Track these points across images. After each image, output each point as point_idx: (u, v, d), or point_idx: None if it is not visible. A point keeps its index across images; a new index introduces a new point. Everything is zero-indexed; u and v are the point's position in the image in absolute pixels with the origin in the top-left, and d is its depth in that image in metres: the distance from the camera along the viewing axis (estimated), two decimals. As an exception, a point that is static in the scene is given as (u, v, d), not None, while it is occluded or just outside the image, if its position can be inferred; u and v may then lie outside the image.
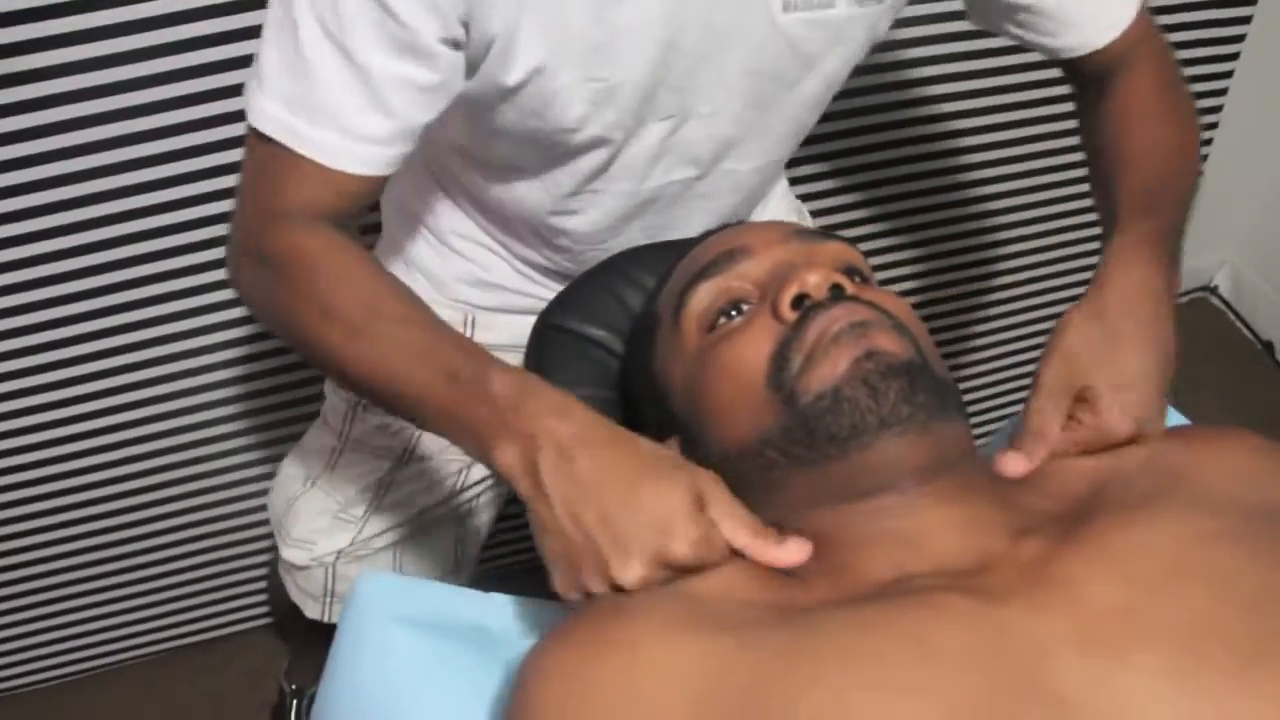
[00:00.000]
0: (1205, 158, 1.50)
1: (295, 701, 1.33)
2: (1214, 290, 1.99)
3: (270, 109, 0.67)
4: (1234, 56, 1.41)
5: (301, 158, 0.67)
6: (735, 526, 0.57)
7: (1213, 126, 1.47)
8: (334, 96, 0.65)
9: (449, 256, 0.93)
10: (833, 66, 0.78)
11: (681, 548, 0.54)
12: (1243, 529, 0.53)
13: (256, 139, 0.68)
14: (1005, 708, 0.46)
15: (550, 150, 0.76)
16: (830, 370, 0.58)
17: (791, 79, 0.77)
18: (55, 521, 1.28)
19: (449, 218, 0.91)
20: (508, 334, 0.93)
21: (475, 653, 0.64)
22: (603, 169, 0.78)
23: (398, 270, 0.96)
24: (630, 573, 0.54)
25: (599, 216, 0.83)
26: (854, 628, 0.50)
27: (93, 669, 1.44)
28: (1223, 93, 1.44)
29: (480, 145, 0.79)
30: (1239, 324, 1.96)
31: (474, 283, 0.93)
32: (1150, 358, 0.66)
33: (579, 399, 0.59)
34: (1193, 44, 1.37)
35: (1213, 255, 1.95)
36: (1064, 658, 0.47)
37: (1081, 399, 0.64)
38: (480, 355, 0.62)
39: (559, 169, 0.78)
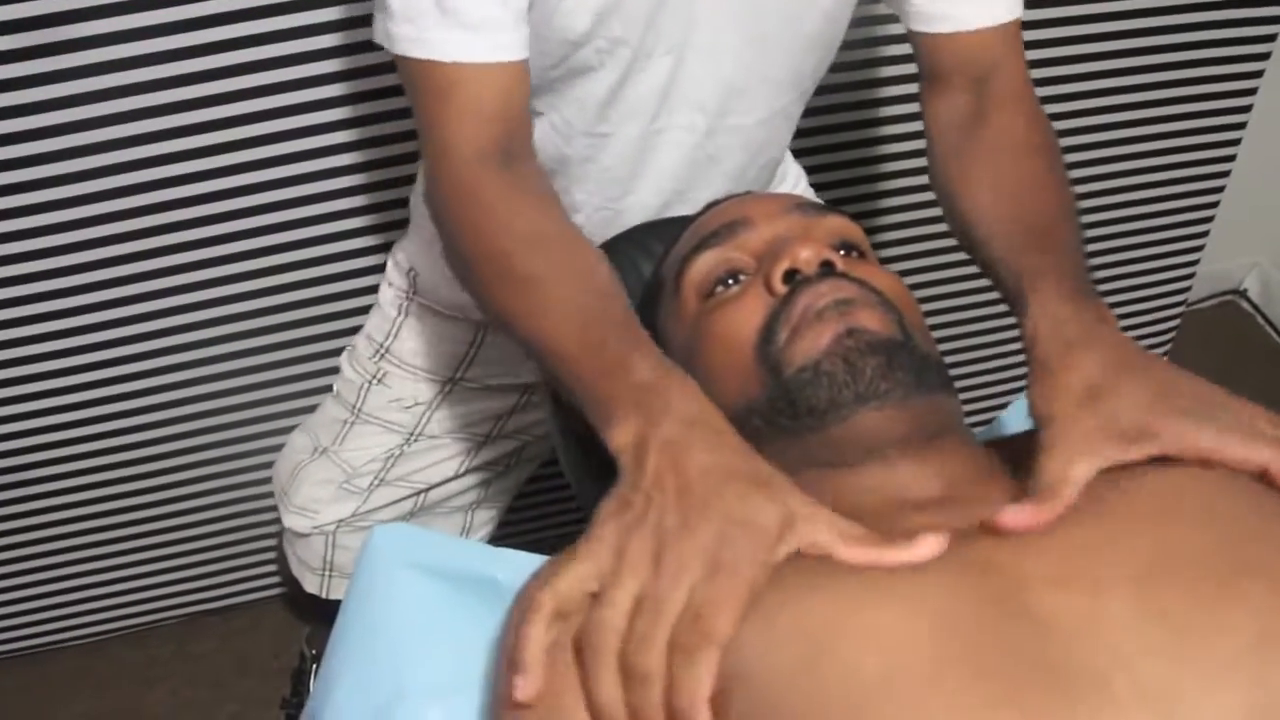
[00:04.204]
0: (1233, 158, 1.49)
1: (315, 665, 1.36)
2: (1243, 293, 1.98)
3: (401, 30, 0.68)
4: (1264, 56, 1.39)
5: (443, 66, 0.67)
6: (837, 537, 0.52)
7: (1241, 127, 1.46)
8: None
9: None
10: (829, 2, 0.79)
11: (738, 561, 0.50)
12: (1218, 472, 0.53)
13: (404, 67, 0.69)
14: (989, 624, 0.47)
15: (557, 68, 0.76)
16: (813, 344, 0.60)
17: (790, 12, 0.78)
18: (96, 480, 1.33)
19: None
20: None
21: (483, 602, 0.66)
22: (609, 100, 0.79)
23: (423, 259, 0.98)
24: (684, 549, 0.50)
25: (611, 163, 0.83)
26: None
27: (128, 628, 1.49)
28: (1252, 92, 1.42)
29: None
30: (1268, 327, 1.95)
31: None
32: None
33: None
34: (1221, 43, 1.36)
35: (1242, 258, 1.93)
36: (1042, 588, 0.49)
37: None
38: (635, 334, 0.63)
39: (565, 98, 0.79)
